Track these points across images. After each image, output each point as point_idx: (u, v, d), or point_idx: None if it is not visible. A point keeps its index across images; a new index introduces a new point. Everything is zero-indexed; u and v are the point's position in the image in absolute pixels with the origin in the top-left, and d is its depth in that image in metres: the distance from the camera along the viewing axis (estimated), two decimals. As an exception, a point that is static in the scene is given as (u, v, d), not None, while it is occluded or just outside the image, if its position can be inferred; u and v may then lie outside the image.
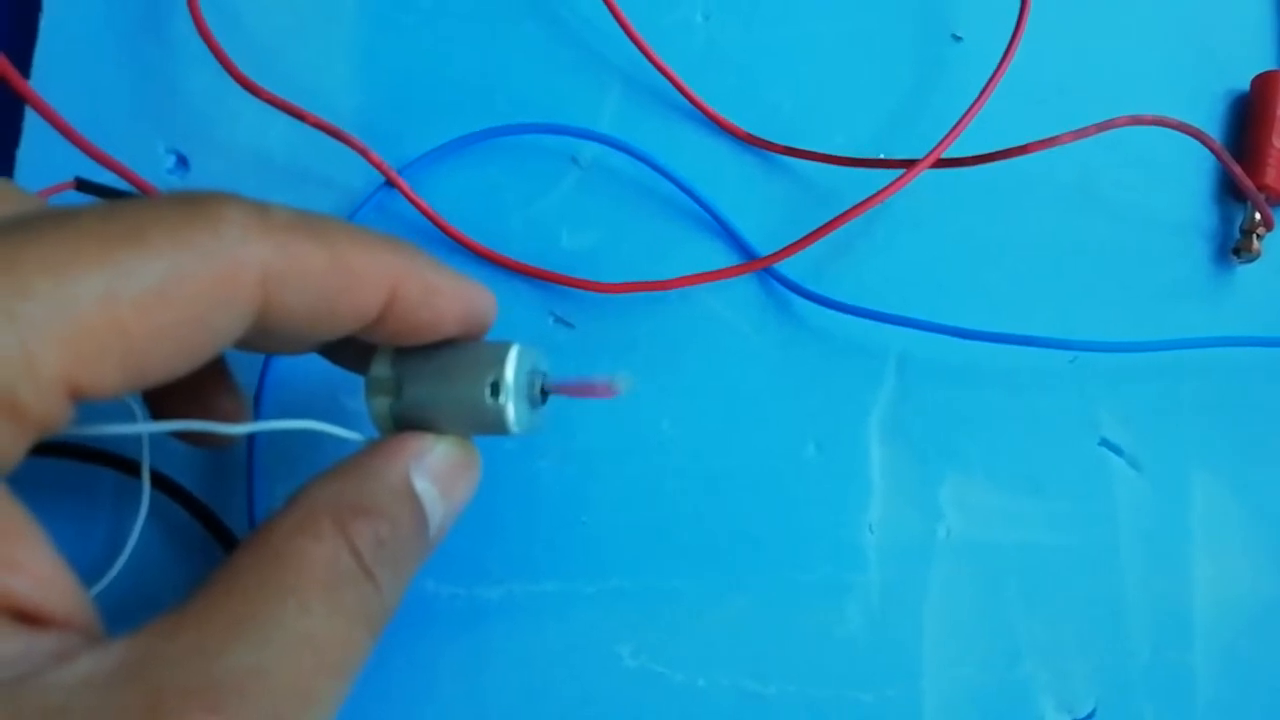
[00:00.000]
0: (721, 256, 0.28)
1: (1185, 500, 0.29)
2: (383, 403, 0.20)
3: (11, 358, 0.13)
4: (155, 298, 0.15)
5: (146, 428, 0.18)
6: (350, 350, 0.21)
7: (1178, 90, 0.31)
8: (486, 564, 0.26)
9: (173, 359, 0.15)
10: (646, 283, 0.27)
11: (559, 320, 0.28)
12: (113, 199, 0.24)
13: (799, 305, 0.28)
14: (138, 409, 0.21)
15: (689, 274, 0.27)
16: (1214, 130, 0.31)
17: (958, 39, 0.31)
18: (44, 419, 0.14)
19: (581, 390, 0.20)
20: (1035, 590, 0.27)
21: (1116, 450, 0.29)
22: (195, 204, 0.15)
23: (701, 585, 0.26)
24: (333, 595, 0.16)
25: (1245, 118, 0.31)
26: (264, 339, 0.17)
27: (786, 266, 0.28)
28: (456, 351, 0.20)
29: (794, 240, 0.27)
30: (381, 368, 0.20)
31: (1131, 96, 0.30)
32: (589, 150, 0.28)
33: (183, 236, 0.15)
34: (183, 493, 0.24)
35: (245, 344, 0.17)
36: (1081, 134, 0.27)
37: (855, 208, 0.27)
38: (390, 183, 0.27)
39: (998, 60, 0.28)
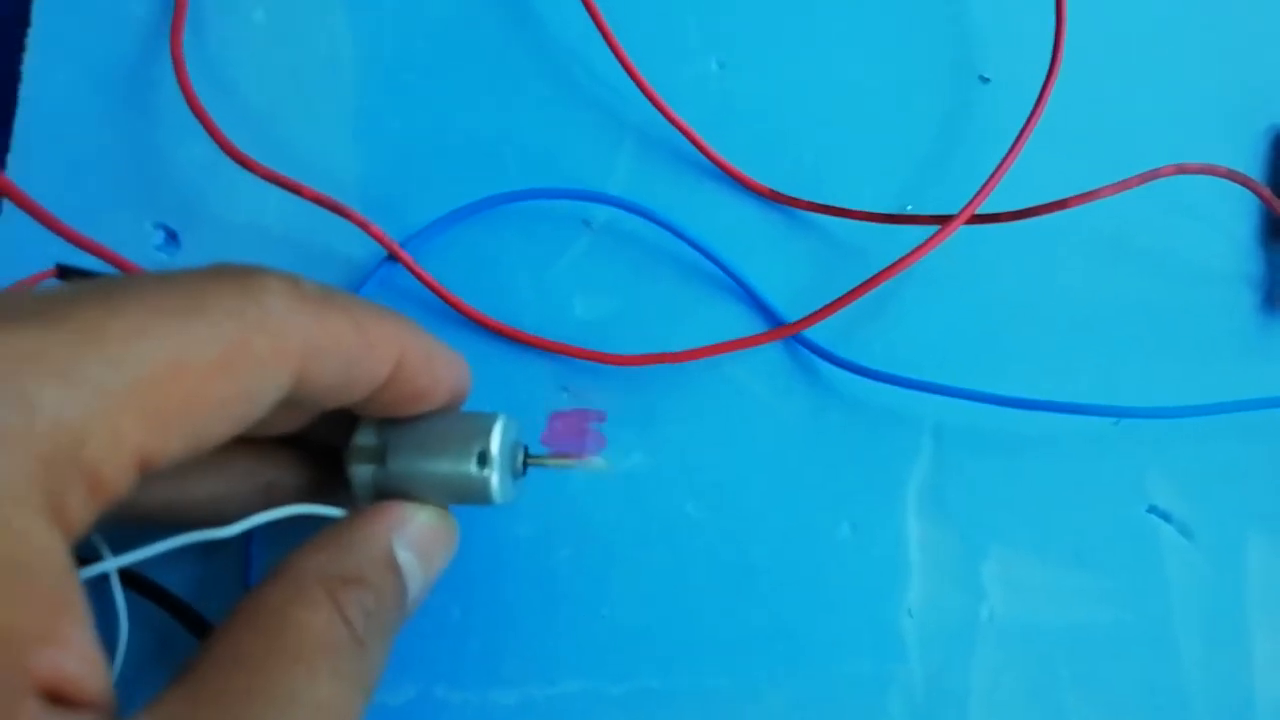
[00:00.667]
0: (745, 323, 0.27)
1: (1240, 570, 0.27)
2: (366, 471, 0.20)
3: (100, 430, 0.14)
4: (220, 368, 0.15)
5: (114, 563, 0.17)
6: (330, 423, 0.21)
7: (1216, 126, 0.30)
8: (500, 665, 0.24)
9: (223, 428, 0.16)
10: (665, 354, 0.26)
11: (573, 395, 0.26)
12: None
13: (828, 373, 0.27)
14: (103, 546, 0.19)
15: (710, 343, 0.26)
16: (1255, 168, 0.30)
17: (985, 80, 0.29)
18: (118, 491, 0.14)
19: (561, 462, 0.21)
20: (1088, 674, 0.26)
21: (1166, 518, 0.27)
22: (239, 276, 0.16)
23: (736, 682, 0.25)
24: (335, 663, 0.16)
25: (1289, 156, 0.30)
26: (270, 415, 0.17)
27: (814, 332, 0.27)
28: (440, 421, 0.20)
29: (822, 305, 0.26)
30: (367, 436, 0.20)
31: (1168, 132, 0.29)
32: (601, 213, 0.27)
33: (237, 308, 0.15)
34: (174, 602, 0.23)
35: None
36: (1124, 186, 0.26)
37: (888, 269, 0.25)
38: (393, 256, 0.25)
39: (1028, 101, 0.27)
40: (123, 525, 0.20)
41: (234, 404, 0.16)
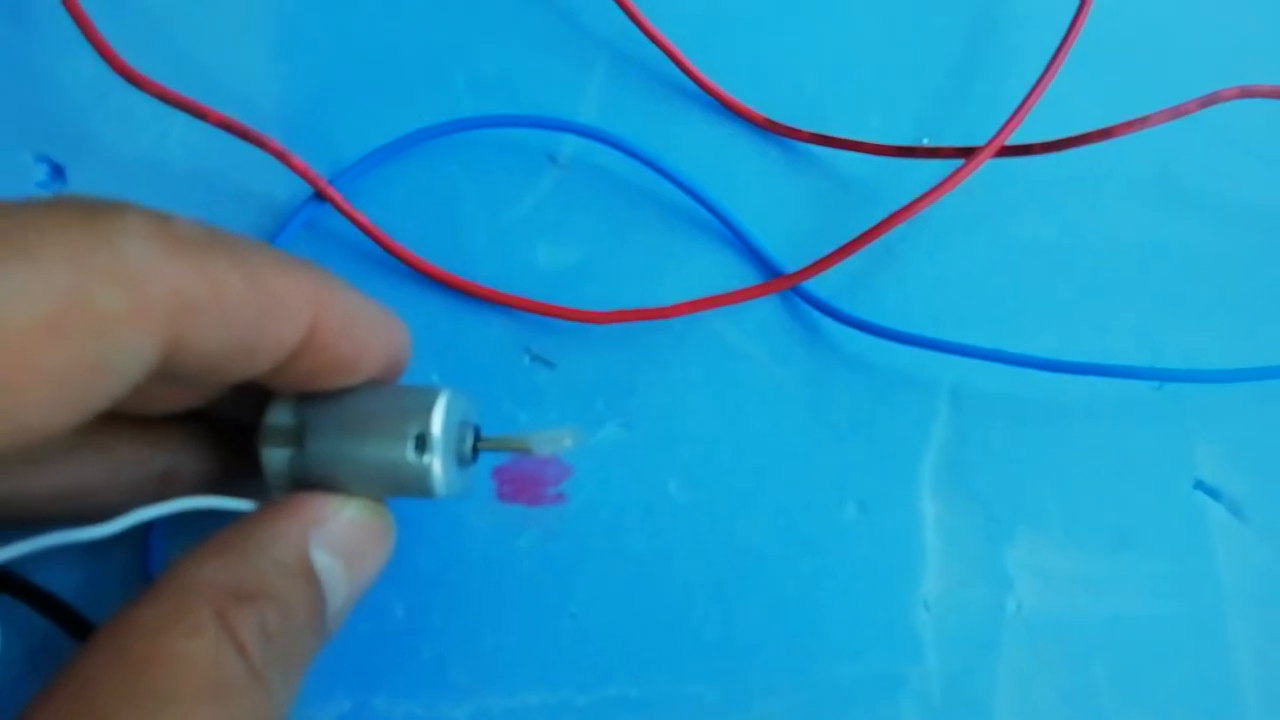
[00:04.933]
0: (736, 274, 0.25)
1: (1298, 552, 0.25)
2: (281, 455, 0.18)
3: None
4: (49, 329, 0.12)
5: None
6: (241, 398, 0.18)
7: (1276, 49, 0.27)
8: (450, 673, 0.22)
9: (67, 408, 0.13)
10: (644, 310, 0.23)
11: (536, 358, 0.24)
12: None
13: (831, 330, 0.25)
14: None
15: (696, 297, 0.24)
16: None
17: None
18: None
19: (519, 447, 0.19)
20: (1129, 673, 0.23)
21: (1215, 494, 0.25)
22: (85, 211, 0.13)
23: (723, 689, 0.23)
24: (220, 704, 0.14)
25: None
26: (154, 390, 0.15)
27: (816, 284, 0.24)
28: (371, 396, 0.18)
29: (825, 253, 0.24)
30: (281, 414, 0.18)
31: (1228, 52, 0.27)
32: (569, 145, 0.25)
33: (76, 251, 0.13)
34: (56, 605, 0.20)
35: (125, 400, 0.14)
36: (1179, 112, 0.24)
37: (900, 211, 0.23)
38: (320, 194, 0.23)
39: (1064, 17, 0.24)
40: None
41: (76, 377, 0.13)
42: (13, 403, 0.12)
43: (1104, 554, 0.24)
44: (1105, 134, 0.23)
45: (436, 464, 0.17)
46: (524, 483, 0.22)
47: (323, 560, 0.17)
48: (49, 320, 0.12)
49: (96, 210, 0.13)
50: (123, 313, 0.13)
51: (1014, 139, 0.23)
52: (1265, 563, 0.24)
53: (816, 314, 0.24)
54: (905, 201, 0.23)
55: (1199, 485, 0.25)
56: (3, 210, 0.13)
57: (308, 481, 0.18)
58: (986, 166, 0.23)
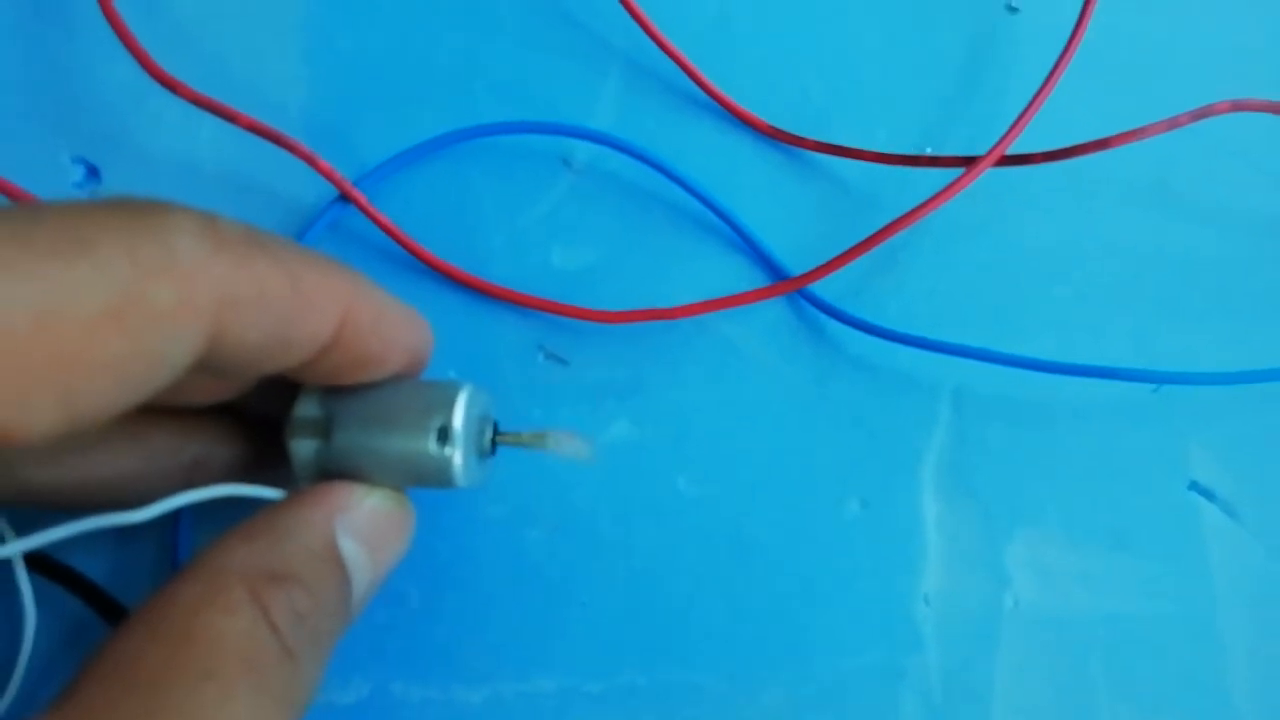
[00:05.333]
0: (744, 277, 0.25)
1: (1291, 553, 0.25)
2: (308, 446, 0.18)
3: None
4: (105, 321, 0.13)
5: (17, 546, 0.15)
6: (269, 392, 0.19)
7: (1277, 60, 0.27)
8: (465, 659, 0.22)
9: (116, 396, 0.13)
10: (654, 310, 0.24)
11: (550, 356, 0.24)
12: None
13: (836, 332, 0.25)
14: (4, 526, 0.17)
15: (705, 299, 0.24)
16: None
17: (1014, 10, 0.27)
18: None
19: (536, 442, 0.19)
20: (1123, 670, 0.24)
21: (1209, 496, 0.25)
22: (138, 210, 0.14)
23: (729, 678, 0.23)
24: (256, 678, 0.14)
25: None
26: (192, 382, 0.15)
27: (822, 287, 0.24)
28: (396, 391, 0.18)
29: (830, 257, 0.24)
30: (309, 407, 0.18)
31: (1222, 66, 0.27)
32: (584, 151, 0.25)
33: (131, 247, 0.13)
34: (88, 587, 0.20)
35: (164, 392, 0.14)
36: (1173, 124, 0.24)
37: (904, 217, 0.24)
38: (344, 196, 0.23)
39: (1063, 32, 0.25)
40: (26, 506, 0.18)
41: (127, 367, 0.13)
42: (73, 390, 0.13)
43: (1100, 553, 0.24)
44: (1102, 144, 0.23)
45: (457, 456, 0.17)
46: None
47: (348, 546, 0.17)
48: (109, 312, 0.13)
49: (148, 209, 0.14)
50: (172, 307, 0.13)
51: (1014, 149, 0.24)
52: (1258, 563, 0.24)
53: (822, 316, 0.24)
54: (908, 208, 0.23)
55: (1193, 486, 0.25)
56: (65, 208, 0.13)
57: (333, 472, 0.18)
58: (987, 175, 0.24)
